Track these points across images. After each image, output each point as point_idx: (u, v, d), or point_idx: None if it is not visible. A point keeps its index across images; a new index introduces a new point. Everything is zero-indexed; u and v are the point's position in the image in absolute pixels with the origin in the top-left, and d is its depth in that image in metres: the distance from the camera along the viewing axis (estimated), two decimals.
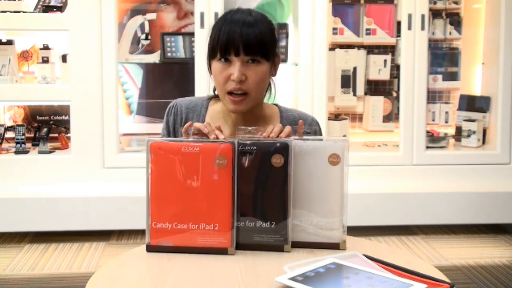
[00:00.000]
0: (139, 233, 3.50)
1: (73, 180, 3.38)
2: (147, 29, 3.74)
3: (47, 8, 3.48)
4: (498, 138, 3.66)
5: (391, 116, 3.88)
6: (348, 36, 3.79)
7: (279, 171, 1.31)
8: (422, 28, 3.54)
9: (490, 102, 3.76)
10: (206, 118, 1.68)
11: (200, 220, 1.30)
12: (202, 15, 3.37)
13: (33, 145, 3.62)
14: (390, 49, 3.89)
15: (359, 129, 3.99)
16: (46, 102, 3.79)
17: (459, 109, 3.89)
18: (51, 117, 3.87)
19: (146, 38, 3.74)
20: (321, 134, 1.71)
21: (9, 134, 3.65)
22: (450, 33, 3.86)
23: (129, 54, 3.68)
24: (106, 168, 3.42)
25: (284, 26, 3.65)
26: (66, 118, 3.80)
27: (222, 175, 1.29)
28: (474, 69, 3.97)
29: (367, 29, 3.78)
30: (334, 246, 1.34)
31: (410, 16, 3.53)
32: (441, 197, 3.49)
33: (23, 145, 3.47)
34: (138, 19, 3.76)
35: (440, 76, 3.87)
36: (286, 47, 3.63)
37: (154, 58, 3.73)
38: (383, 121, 3.86)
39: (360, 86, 3.81)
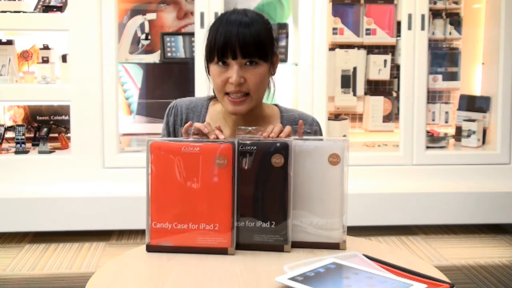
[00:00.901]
0: (139, 233, 3.50)
1: (73, 180, 3.38)
2: (147, 29, 3.74)
3: (47, 8, 3.48)
4: (498, 138, 3.66)
5: (391, 116, 3.88)
6: (348, 36, 3.79)
7: (279, 171, 1.31)
8: (422, 28, 3.54)
9: (490, 102, 3.76)
10: (207, 119, 1.68)
11: (200, 220, 1.30)
12: (202, 15, 3.37)
13: (33, 145, 3.62)
14: (390, 49, 3.89)
15: (359, 129, 3.99)
16: (46, 102, 3.79)
17: (459, 109, 3.89)
18: (51, 117, 3.87)
19: (146, 38, 3.74)
20: (321, 134, 1.71)
21: (9, 134, 3.65)
22: (450, 33, 3.86)
23: (129, 54, 3.68)
24: (106, 168, 3.42)
25: (284, 26, 3.65)
26: (66, 118, 3.80)
27: (222, 175, 1.29)
28: (474, 69, 3.97)
29: (367, 29, 3.78)
30: (334, 246, 1.34)
31: (410, 16, 3.53)
32: (441, 197, 3.49)
33: (23, 145, 3.47)
34: (138, 19, 3.75)
35: (440, 76, 3.87)
36: (286, 47, 3.63)
37: (154, 58, 3.73)
38: (383, 121, 3.86)
39: (360, 86, 3.81)
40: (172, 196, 1.31)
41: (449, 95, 4.05)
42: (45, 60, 3.59)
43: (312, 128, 1.64)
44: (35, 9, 3.58)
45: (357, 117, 3.99)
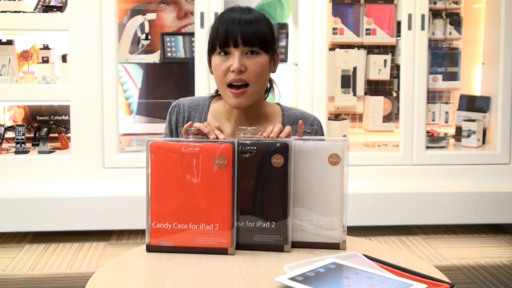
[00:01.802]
0: (139, 233, 3.50)
1: (73, 180, 3.38)
2: (147, 29, 3.74)
3: (47, 8, 3.48)
4: (498, 138, 3.66)
5: (391, 116, 3.88)
6: (348, 36, 3.79)
7: (279, 171, 1.31)
8: (422, 28, 3.54)
9: (490, 102, 3.76)
10: (208, 117, 1.68)
11: (200, 220, 1.30)
12: (202, 15, 3.37)
13: (33, 145, 3.62)
14: (390, 49, 3.89)
15: (359, 129, 3.99)
16: (46, 102, 3.79)
17: (459, 109, 3.89)
18: (51, 117, 3.87)
19: (146, 38, 3.74)
20: (322, 134, 1.71)
21: (9, 134, 3.65)
22: (450, 33, 3.86)
23: (129, 54, 3.68)
24: (106, 168, 3.42)
25: (284, 26, 3.65)
26: (66, 118, 3.80)
27: (222, 175, 1.29)
28: (474, 69, 3.97)
29: (367, 29, 3.78)
30: (334, 246, 1.34)
31: (410, 16, 3.53)
32: (441, 197, 3.49)
33: (23, 145, 3.47)
34: (138, 19, 3.75)
35: (440, 76, 3.87)
36: (286, 47, 3.63)
37: (154, 58, 3.73)
38: (383, 121, 3.86)
39: (360, 86, 3.81)
40: (172, 196, 1.31)
41: (449, 95, 4.05)
42: (45, 60, 3.59)
43: (312, 128, 1.64)
44: (35, 9, 3.58)
45: (357, 117, 3.99)
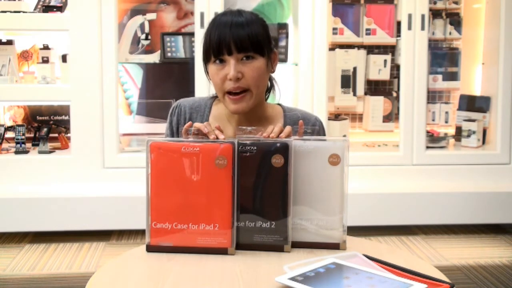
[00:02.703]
0: (139, 233, 3.50)
1: (73, 180, 3.38)
2: (147, 29, 3.74)
3: (47, 8, 3.48)
4: (498, 138, 3.66)
5: (391, 116, 3.88)
6: (348, 36, 3.79)
7: (279, 171, 1.31)
8: (422, 28, 3.54)
9: (490, 102, 3.76)
10: (210, 119, 1.68)
11: (200, 220, 1.30)
12: (202, 15, 3.37)
13: (33, 145, 3.62)
14: (390, 49, 3.89)
15: (359, 129, 3.99)
16: (46, 102, 3.79)
17: (459, 109, 3.89)
18: (51, 117, 3.87)
19: (146, 38, 3.74)
20: (324, 134, 1.71)
21: (9, 134, 3.65)
22: (450, 33, 3.86)
23: (129, 54, 3.68)
24: (106, 168, 3.42)
25: (284, 26, 3.65)
26: (66, 118, 3.80)
27: (222, 175, 1.29)
28: (474, 69, 3.97)
29: (367, 29, 3.78)
30: (334, 246, 1.34)
31: (410, 16, 3.53)
32: (441, 197, 3.49)
33: (23, 145, 3.47)
34: (138, 19, 3.75)
35: (440, 76, 3.87)
36: (286, 47, 3.63)
37: (154, 58, 3.73)
38: (383, 121, 3.86)
39: (360, 86, 3.81)
40: (172, 196, 1.31)
41: (449, 95, 4.05)
42: (45, 60, 3.59)
43: (313, 128, 1.64)
44: (35, 9, 3.58)
45: (357, 117, 3.99)
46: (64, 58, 3.52)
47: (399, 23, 3.65)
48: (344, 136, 3.64)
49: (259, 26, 1.55)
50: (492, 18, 3.73)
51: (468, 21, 3.91)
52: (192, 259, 1.27)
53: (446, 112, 3.88)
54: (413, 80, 3.58)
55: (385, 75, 3.85)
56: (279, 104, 1.71)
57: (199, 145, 1.31)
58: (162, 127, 1.79)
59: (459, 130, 3.83)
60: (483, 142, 3.77)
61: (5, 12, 3.38)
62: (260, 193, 1.32)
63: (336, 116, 3.81)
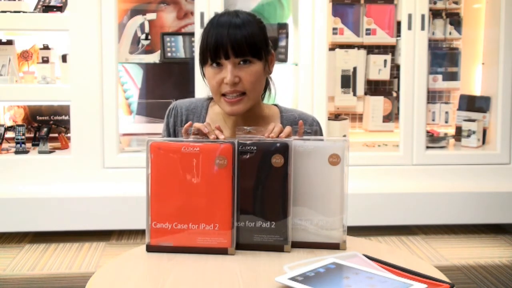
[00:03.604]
0: (139, 233, 3.50)
1: (73, 180, 3.38)
2: (147, 29, 3.74)
3: (47, 8, 3.47)
4: (498, 138, 3.66)
5: (391, 116, 3.88)
6: (348, 36, 3.79)
7: (279, 171, 1.31)
8: (422, 28, 3.54)
9: (490, 102, 3.76)
10: (207, 120, 1.67)
11: (200, 220, 1.30)
12: (202, 15, 3.37)
13: (33, 145, 3.62)
14: (390, 49, 3.89)
15: (359, 129, 3.99)
16: (46, 102, 3.79)
17: (459, 109, 3.89)
18: (51, 117, 3.87)
19: (146, 38, 3.74)
20: (321, 134, 1.71)
21: (9, 134, 3.65)
22: (450, 33, 3.86)
23: (129, 54, 3.68)
24: (106, 168, 3.42)
25: (284, 26, 3.65)
26: (66, 118, 3.80)
27: (222, 175, 1.29)
28: (474, 69, 3.97)
29: (367, 29, 3.78)
30: (334, 246, 1.34)
31: (410, 16, 3.53)
32: (441, 197, 3.49)
33: (23, 145, 3.47)
34: (138, 19, 3.75)
35: (440, 76, 3.87)
36: (286, 47, 3.63)
37: (154, 58, 3.73)
38: (383, 121, 3.86)
39: (360, 86, 3.81)
40: (172, 196, 1.31)
41: (449, 95, 4.05)
42: (45, 60, 3.59)
43: (312, 128, 1.64)
44: (35, 9, 3.58)
45: (357, 117, 3.99)
46: (64, 58, 3.52)
47: (399, 23, 3.65)
48: (344, 136, 3.64)
49: (256, 28, 1.53)
50: (492, 18, 3.73)
51: (468, 21, 3.91)
52: (192, 259, 1.27)
53: (446, 112, 3.88)
54: (413, 80, 3.58)
55: (385, 75, 3.85)
56: (275, 105, 1.71)
57: (199, 145, 1.31)
58: (162, 127, 1.79)
59: (459, 130, 3.83)
60: (483, 142, 3.77)
61: (5, 12, 3.38)
62: (260, 193, 1.32)
63: (336, 116, 3.81)
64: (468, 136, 3.73)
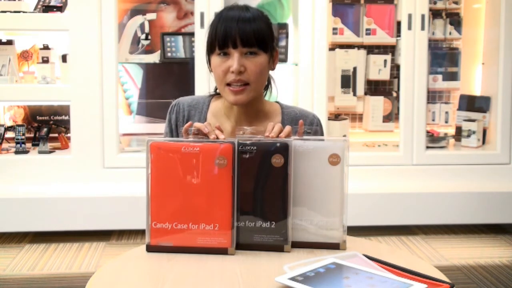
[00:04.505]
0: (139, 233, 3.50)
1: (73, 180, 3.38)
2: (147, 29, 3.74)
3: (47, 8, 3.48)
4: (498, 138, 3.66)
5: (391, 116, 3.88)
6: (348, 36, 3.79)
7: (279, 171, 1.31)
8: (422, 28, 3.54)
9: (490, 102, 3.76)
10: (208, 115, 1.69)
11: (200, 220, 1.30)
12: (202, 15, 3.37)
13: (33, 145, 3.62)
14: (390, 49, 3.89)
15: (359, 129, 3.99)
16: (46, 102, 3.79)
17: (459, 109, 3.89)
18: (51, 117, 3.87)
19: (146, 38, 3.74)
20: (322, 132, 1.72)
21: (9, 134, 3.65)
22: (450, 33, 3.86)
23: (129, 54, 3.68)
24: (106, 168, 3.42)
25: (284, 26, 3.65)
26: (66, 118, 3.80)
27: (222, 175, 1.29)
28: (474, 69, 3.97)
29: (367, 29, 3.78)
30: (334, 246, 1.33)
31: (410, 16, 3.53)
32: (441, 197, 3.49)
33: (23, 145, 3.47)
34: (138, 19, 3.76)
35: (440, 76, 3.87)
36: (286, 47, 3.63)
37: (154, 58, 3.73)
38: (383, 121, 3.86)
39: (360, 86, 3.81)
40: (172, 196, 1.31)
41: (449, 95, 4.05)
42: (45, 60, 3.59)
43: (312, 128, 1.64)
44: (35, 9, 3.58)
45: (357, 117, 3.99)
46: (64, 58, 3.52)
47: (399, 23, 3.65)
48: (344, 136, 3.64)
49: (265, 23, 1.57)
50: (492, 18, 3.73)
51: (468, 21, 3.91)
52: (192, 259, 1.27)
53: (446, 112, 3.88)
54: (413, 80, 3.58)
55: (385, 75, 3.85)
56: (276, 102, 1.72)
57: (199, 145, 1.30)
58: (162, 127, 1.79)
59: (459, 130, 3.83)
60: (483, 142, 3.77)
61: (5, 12, 3.38)
62: (260, 193, 1.32)
63: (336, 116, 3.81)
64: (468, 136, 3.73)
